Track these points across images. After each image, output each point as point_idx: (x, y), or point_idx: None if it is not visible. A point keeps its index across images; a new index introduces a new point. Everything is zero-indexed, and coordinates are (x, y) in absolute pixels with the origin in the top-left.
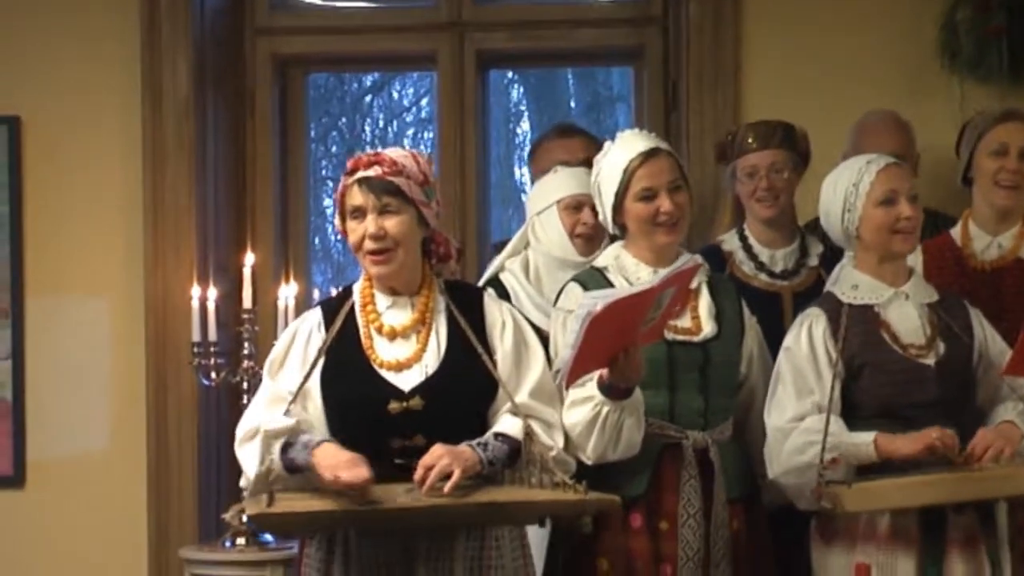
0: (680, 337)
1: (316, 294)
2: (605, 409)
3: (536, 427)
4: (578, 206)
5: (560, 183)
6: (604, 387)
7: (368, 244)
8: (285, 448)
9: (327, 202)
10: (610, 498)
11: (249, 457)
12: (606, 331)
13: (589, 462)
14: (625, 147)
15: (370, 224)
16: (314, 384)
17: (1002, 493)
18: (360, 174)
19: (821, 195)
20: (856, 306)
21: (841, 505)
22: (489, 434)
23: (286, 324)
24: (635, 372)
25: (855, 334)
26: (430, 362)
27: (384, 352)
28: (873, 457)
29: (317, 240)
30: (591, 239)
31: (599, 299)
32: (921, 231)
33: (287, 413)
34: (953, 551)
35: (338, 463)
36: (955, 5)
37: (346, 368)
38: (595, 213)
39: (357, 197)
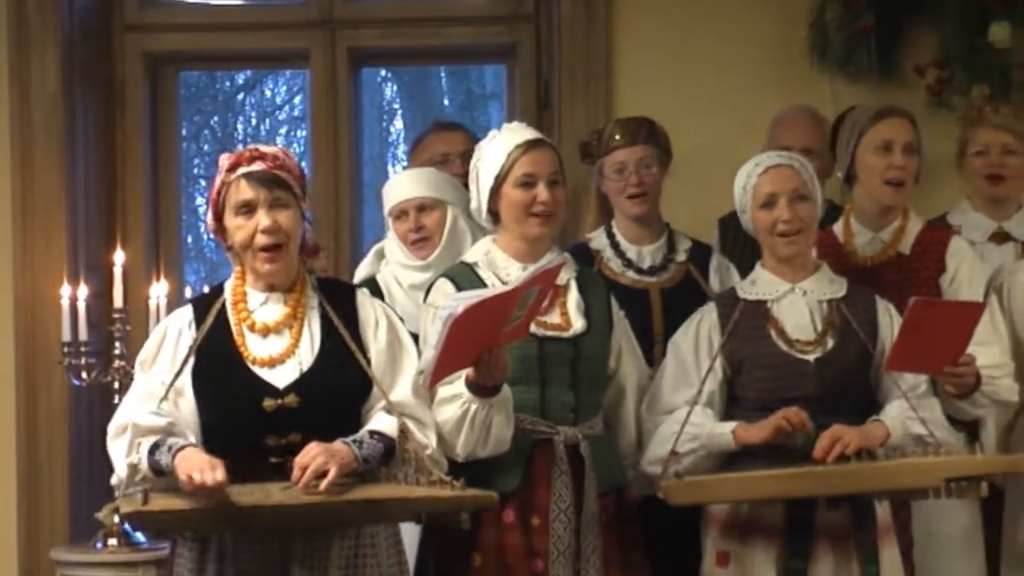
0: (550, 333)
1: (188, 292)
2: (473, 407)
3: (411, 425)
4: (401, 214)
5: (388, 192)
6: (471, 385)
7: (261, 239)
8: (152, 449)
9: (200, 200)
10: (488, 494)
11: (118, 453)
12: (469, 332)
13: (459, 459)
14: (511, 135)
15: (263, 218)
16: (186, 382)
17: (840, 490)
18: (244, 169)
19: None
20: (751, 301)
21: (671, 497)
22: (364, 432)
23: (158, 323)
24: (500, 371)
25: (743, 329)
26: (304, 359)
27: (257, 349)
28: (732, 446)
29: (190, 238)
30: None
31: (461, 300)
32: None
33: (159, 411)
34: (822, 546)
35: (193, 465)
36: (824, 4)
37: (219, 365)
38: (434, 216)
39: (246, 192)
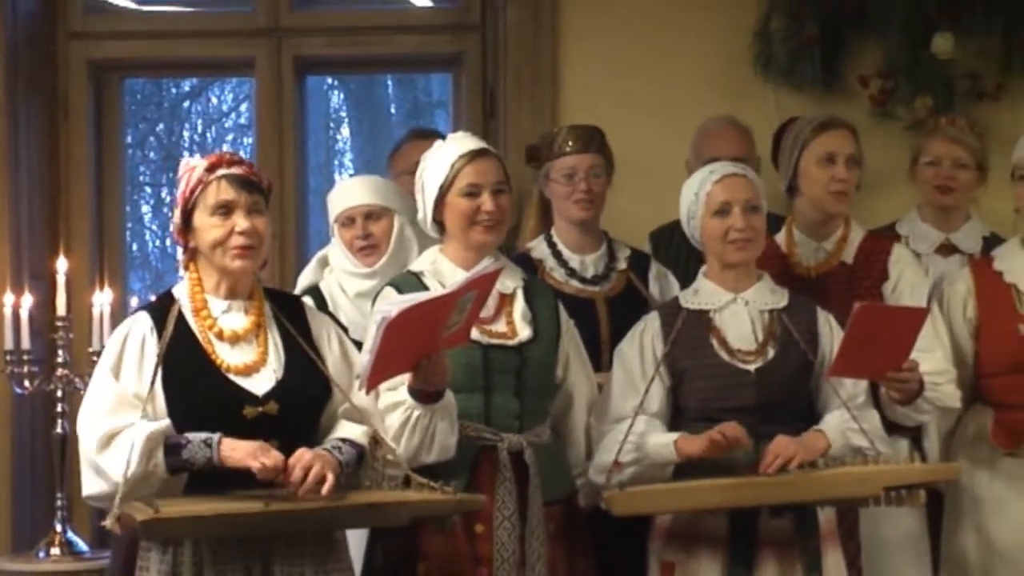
0: (495, 341)
1: (134, 301)
2: (416, 413)
3: (380, 431)
4: (348, 221)
5: (335, 199)
6: (413, 391)
7: (238, 240)
8: (170, 450)
9: (145, 208)
10: (477, 498)
11: (117, 463)
12: (405, 336)
13: (403, 465)
14: (455, 144)
15: (242, 220)
16: (156, 390)
17: (780, 500)
18: (225, 171)
19: (680, 200)
20: (693, 311)
21: (613, 507)
22: (335, 439)
23: (101, 332)
24: (440, 376)
25: (685, 338)
26: (276, 367)
27: (228, 356)
28: (674, 457)
29: (135, 246)
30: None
31: (396, 304)
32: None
33: (148, 416)
34: (766, 554)
35: (252, 451)
36: (769, 14)
37: (192, 374)
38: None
39: (227, 192)
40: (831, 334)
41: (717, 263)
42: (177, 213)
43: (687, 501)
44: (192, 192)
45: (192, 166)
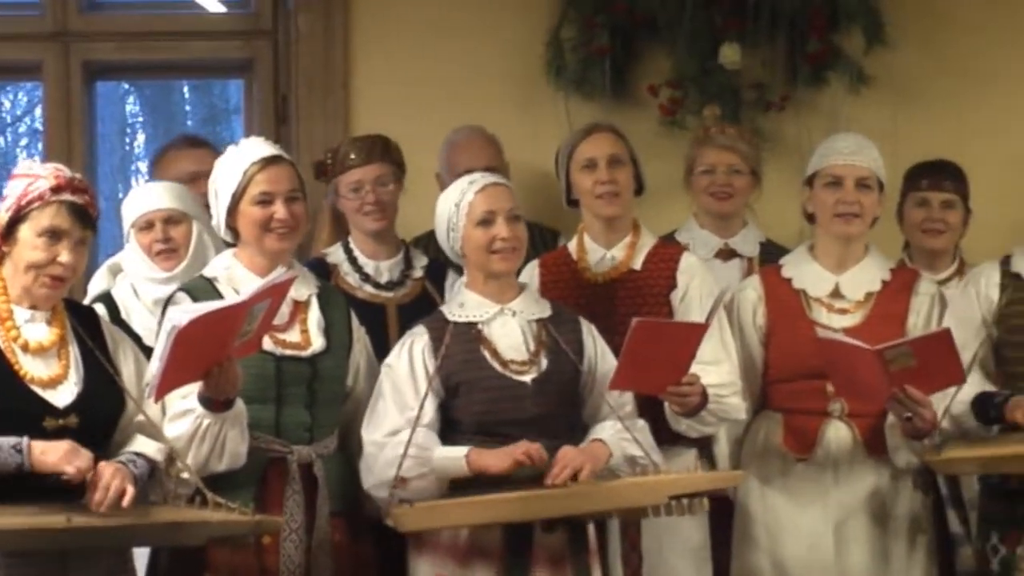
0: (288, 352)
1: None
2: (206, 421)
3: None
4: (147, 225)
5: (133, 203)
6: (203, 400)
7: (55, 270)
8: None
9: None
10: (274, 520)
11: None
12: (196, 344)
13: (192, 475)
14: (247, 151)
15: (66, 254)
16: None
17: (571, 511)
18: (68, 197)
19: (436, 213)
20: (461, 323)
21: (402, 524)
22: (130, 452)
23: None
24: (231, 385)
25: (456, 352)
26: (76, 380)
27: (32, 368)
28: (465, 472)
29: None
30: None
31: (188, 312)
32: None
33: None
34: (539, 568)
35: (66, 454)
36: (561, 23)
37: None
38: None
39: (63, 220)
40: (594, 343)
41: (480, 274)
42: (5, 217)
43: (479, 515)
44: (28, 203)
45: (35, 174)
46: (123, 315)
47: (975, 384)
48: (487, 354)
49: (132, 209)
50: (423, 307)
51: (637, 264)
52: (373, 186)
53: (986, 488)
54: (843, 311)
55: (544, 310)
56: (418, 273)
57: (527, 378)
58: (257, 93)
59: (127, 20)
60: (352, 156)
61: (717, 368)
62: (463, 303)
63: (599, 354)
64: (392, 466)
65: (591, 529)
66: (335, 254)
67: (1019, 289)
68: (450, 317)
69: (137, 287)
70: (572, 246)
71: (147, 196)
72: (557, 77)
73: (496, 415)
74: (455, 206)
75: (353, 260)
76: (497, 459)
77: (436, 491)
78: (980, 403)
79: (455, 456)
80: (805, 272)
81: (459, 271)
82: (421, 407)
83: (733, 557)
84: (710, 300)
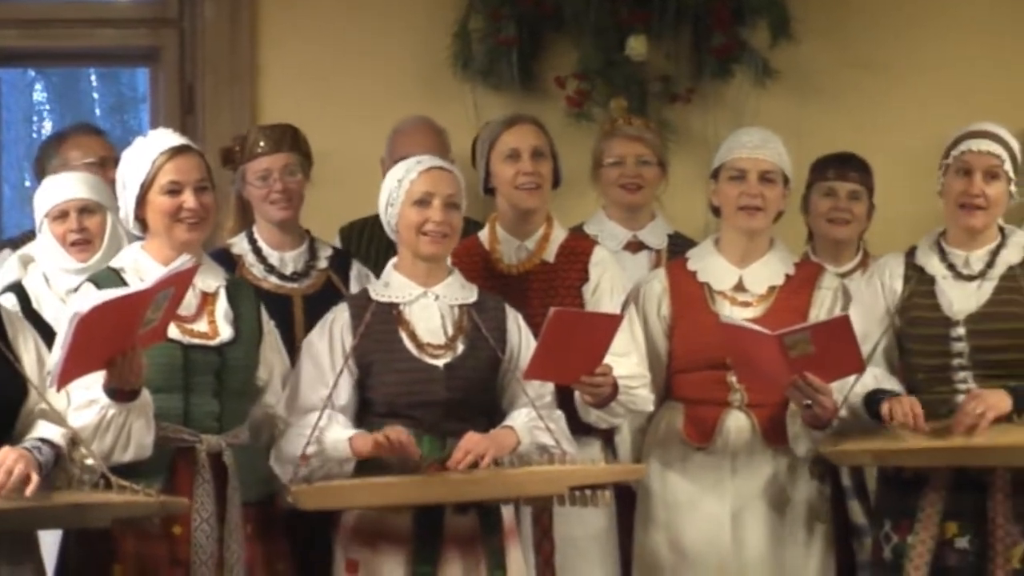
0: (196, 341)
1: None
2: (111, 412)
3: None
4: (61, 215)
5: (47, 192)
6: (108, 389)
7: None
8: None
9: None
10: (181, 500)
11: None
12: (99, 332)
13: (97, 465)
14: (155, 142)
15: None
16: None
17: (468, 497)
18: None
19: (381, 187)
20: (383, 303)
21: (300, 502)
22: (34, 439)
23: None
24: (135, 374)
25: (374, 331)
26: None
27: None
28: (348, 455)
29: None
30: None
31: (90, 299)
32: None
33: None
34: (450, 551)
35: None
36: (467, 14)
37: None
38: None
39: None
40: (519, 332)
41: (409, 254)
42: None
43: (375, 497)
44: None
45: None
46: (34, 305)
47: (878, 375)
48: (404, 335)
49: (46, 199)
50: (328, 298)
51: (550, 256)
52: (281, 175)
53: (882, 478)
54: (746, 304)
55: (469, 296)
56: (323, 264)
57: (440, 362)
58: (163, 82)
59: (33, 7)
60: (261, 144)
61: (627, 360)
62: (388, 283)
63: (523, 341)
64: (296, 444)
65: (506, 511)
66: (239, 245)
67: (922, 282)
68: (373, 296)
69: (50, 277)
70: (484, 236)
71: (62, 186)
72: (464, 68)
73: (407, 397)
74: (397, 182)
75: (258, 251)
76: (364, 442)
77: (334, 472)
78: (870, 399)
79: (342, 438)
80: (710, 265)
81: (365, 262)
82: (335, 384)
83: (635, 544)
84: (622, 294)
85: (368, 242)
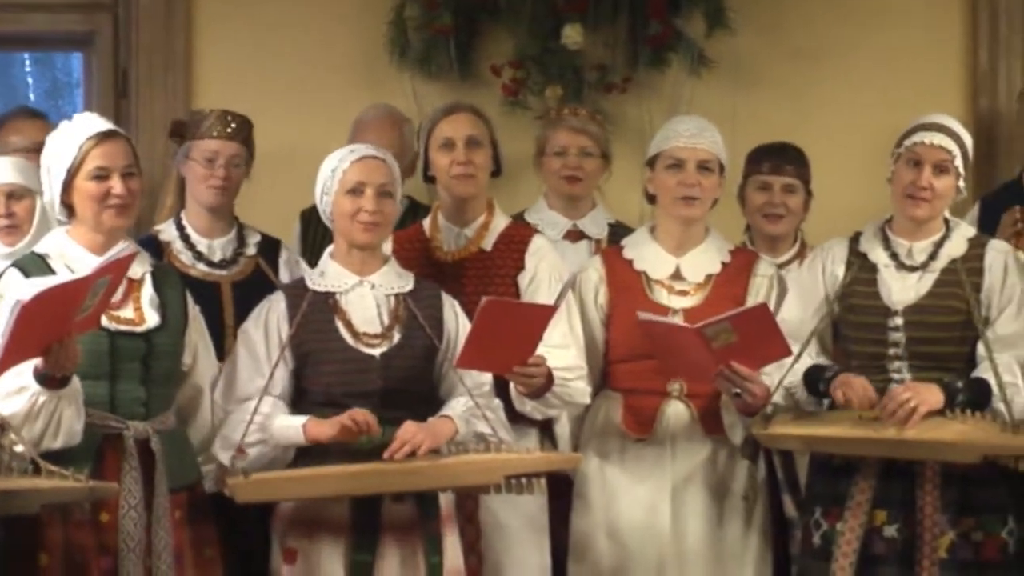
0: (122, 327)
1: None
2: (42, 399)
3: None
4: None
5: None
6: (39, 376)
7: None
8: None
9: None
10: (110, 485)
11: None
12: (38, 320)
13: (27, 453)
14: (81, 127)
15: None
16: None
17: (404, 488)
18: None
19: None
20: (319, 292)
21: (237, 494)
22: None
23: None
24: (71, 361)
25: (311, 321)
26: None
27: None
28: (302, 440)
29: None
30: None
31: (32, 287)
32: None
33: None
34: (388, 539)
35: None
36: (403, 2)
37: None
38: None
39: None
40: (455, 319)
41: (344, 243)
42: None
43: (311, 489)
44: None
45: None
46: None
47: (811, 359)
48: (340, 325)
49: None
50: (257, 284)
51: (488, 245)
52: (227, 162)
53: (813, 465)
54: (683, 293)
55: (405, 284)
56: (251, 251)
57: (376, 351)
58: (97, 67)
59: None
60: (218, 128)
61: (564, 352)
62: (324, 272)
63: (459, 330)
64: (237, 431)
65: (444, 497)
66: (167, 231)
67: (864, 269)
68: (310, 285)
69: None
70: (427, 223)
71: None
72: (401, 57)
73: (343, 387)
74: (331, 171)
75: (186, 238)
76: (328, 427)
77: (278, 461)
78: (811, 375)
79: (294, 425)
80: (646, 253)
81: (324, 245)
82: (271, 375)
83: (571, 531)
84: (559, 284)
85: (321, 226)
